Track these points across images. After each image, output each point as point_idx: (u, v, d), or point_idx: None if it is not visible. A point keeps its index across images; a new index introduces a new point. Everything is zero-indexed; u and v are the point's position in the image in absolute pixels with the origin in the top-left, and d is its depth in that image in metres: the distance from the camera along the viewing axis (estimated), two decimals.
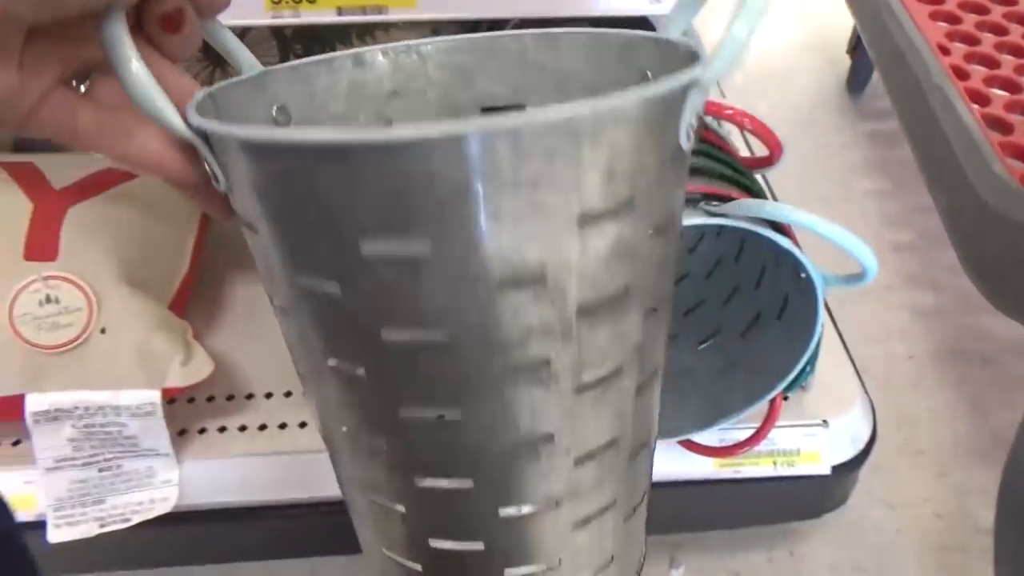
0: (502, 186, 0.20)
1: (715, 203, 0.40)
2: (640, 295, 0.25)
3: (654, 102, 0.21)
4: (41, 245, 0.45)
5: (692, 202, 0.40)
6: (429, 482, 0.26)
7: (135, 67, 0.22)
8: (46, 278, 0.44)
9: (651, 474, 0.32)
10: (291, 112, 0.30)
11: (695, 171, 0.43)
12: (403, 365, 0.24)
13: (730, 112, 0.43)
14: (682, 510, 0.56)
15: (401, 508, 0.27)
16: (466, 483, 0.26)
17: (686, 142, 0.23)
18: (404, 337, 0.23)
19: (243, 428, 0.52)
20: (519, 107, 0.32)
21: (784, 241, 0.39)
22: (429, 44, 0.32)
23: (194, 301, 0.56)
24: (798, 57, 1.28)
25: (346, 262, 0.22)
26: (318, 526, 0.53)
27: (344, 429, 0.27)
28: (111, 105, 0.24)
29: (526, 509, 0.27)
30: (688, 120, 0.23)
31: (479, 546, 0.27)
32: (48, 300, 0.44)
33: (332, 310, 0.24)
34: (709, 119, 0.51)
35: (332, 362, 0.25)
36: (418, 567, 0.29)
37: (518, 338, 0.23)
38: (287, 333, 0.27)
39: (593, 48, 0.30)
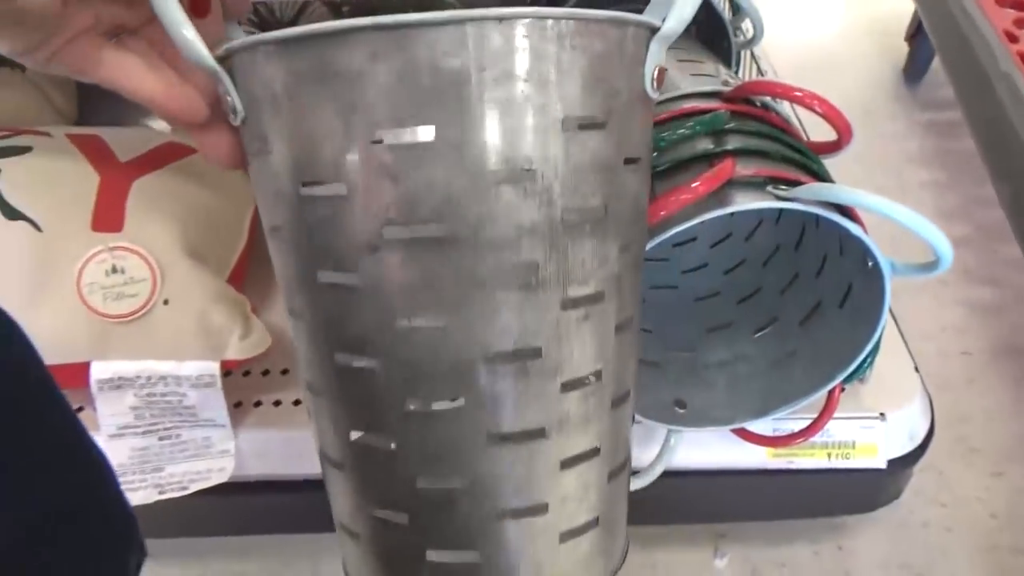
0: (495, 77, 0.24)
1: (783, 187, 0.39)
2: (616, 223, 0.28)
3: (621, 25, 0.26)
4: (108, 216, 0.46)
5: (756, 185, 0.39)
6: (422, 405, 0.27)
7: (184, 24, 0.26)
8: (112, 249, 0.45)
9: (630, 442, 0.33)
10: None
11: (759, 154, 0.42)
12: (402, 267, 0.25)
13: (799, 94, 0.42)
14: (733, 499, 0.56)
15: (391, 444, 0.27)
16: (457, 402, 0.26)
17: (651, 90, 0.28)
18: (405, 235, 0.25)
19: (297, 403, 0.53)
20: None
21: (854, 228, 0.38)
22: None
23: (249, 276, 0.57)
24: (854, 44, 1.25)
25: (356, 156, 0.25)
26: None
27: (334, 356, 0.27)
28: (135, 51, 0.29)
29: (515, 433, 0.27)
30: (652, 68, 0.28)
31: (467, 481, 0.27)
32: (114, 270, 0.45)
33: (337, 214, 0.26)
34: (767, 99, 0.50)
35: (328, 276, 0.27)
36: (404, 518, 0.28)
37: (511, 237, 0.25)
38: (280, 259, 0.29)
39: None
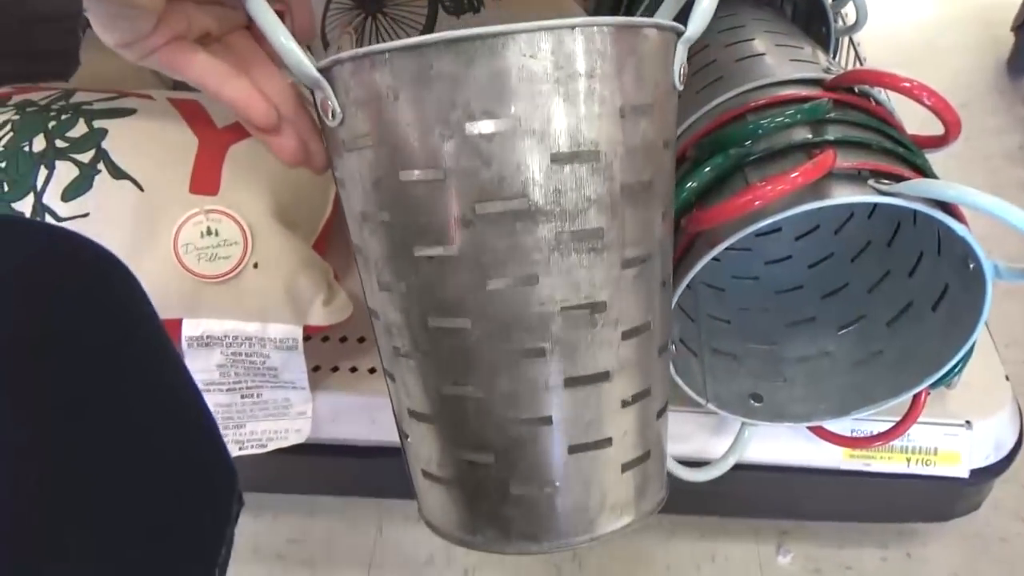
0: (570, 74, 0.28)
1: (886, 181, 0.37)
2: (659, 195, 0.33)
3: (660, 29, 0.31)
4: (205, 179, 0.47)
5: (856, 178, 0.38)
6: (510, 354, 0.31)
7: (280, 31, 0.31)
8: (208, 211, 0.46)
9: (668, 391, 0.37)
10: None
11: (861, 145, 0.40)
12: (492, 237, 0.29)
13: (907, 85, 0.40)
14: (803, 497, 0.55)
15: (481, 392, 0.31)
16: (542, 347, 0.30)
17: (679, 83, 0.33)
18: (496, 209, 0.29)
19: (372, 371, 0.54)
20: None
21: (960, 227, 0.37)
22: None
23: (330, 246, 0.58)
24: (956, 32, 1.19)
25: (454, 144, 0.28)
26: None
27: (427, 319, 0.31)
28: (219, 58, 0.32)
29: (586, 375, 0.31)
30: (679, 66, 0.33)
31: (547, 419, 0.31)
32: (209, 232, 0.46)
33: (435, 195, 0.29)
34: (866, 88, 0.48)
35: (424, 250, 0.30)
36: (491, 457, 0.32)
37: (582, 207, 0.30)
38: (374, 240, 0.32)
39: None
